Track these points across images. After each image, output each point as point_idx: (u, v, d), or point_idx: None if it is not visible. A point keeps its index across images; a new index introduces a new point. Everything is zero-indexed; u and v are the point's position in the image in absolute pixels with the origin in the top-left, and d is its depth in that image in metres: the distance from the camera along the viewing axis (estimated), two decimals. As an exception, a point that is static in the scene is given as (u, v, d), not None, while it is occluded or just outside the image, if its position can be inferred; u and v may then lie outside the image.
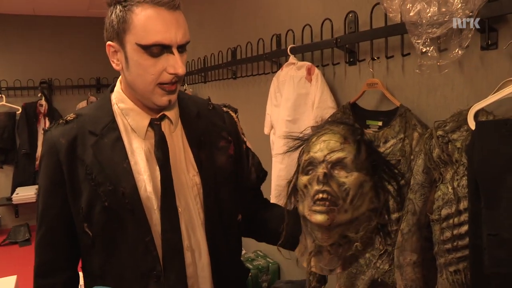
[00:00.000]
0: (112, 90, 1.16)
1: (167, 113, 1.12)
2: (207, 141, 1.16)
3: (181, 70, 1.01)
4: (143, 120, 1.10)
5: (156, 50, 0.99)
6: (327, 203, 0.81)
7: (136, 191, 1.05)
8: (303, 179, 0.87)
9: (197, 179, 1.13)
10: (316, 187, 0.83)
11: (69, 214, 1.08)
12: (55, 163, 1.06)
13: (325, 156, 0.84)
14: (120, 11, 1.00)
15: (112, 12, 1.02)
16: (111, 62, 1.07)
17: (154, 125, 1.10)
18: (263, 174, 1.32)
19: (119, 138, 1.07)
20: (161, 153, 1.08)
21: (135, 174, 1.06)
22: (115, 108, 1.11)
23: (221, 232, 1.16)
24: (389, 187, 0.93)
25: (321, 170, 0.83)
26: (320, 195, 0.82)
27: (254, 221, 1.28)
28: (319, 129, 0.92)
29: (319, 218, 0.81)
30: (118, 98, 1.11)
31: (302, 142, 0.94)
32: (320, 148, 0.85)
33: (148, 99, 1.06)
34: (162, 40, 0.98)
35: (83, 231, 1.07)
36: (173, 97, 1.06)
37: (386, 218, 0.90)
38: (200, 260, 1.12)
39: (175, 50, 1.01)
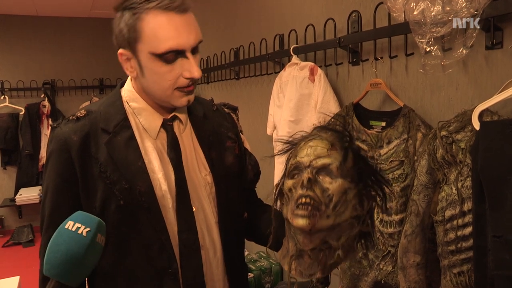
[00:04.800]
0: (122, 86, 1.15)
1: (178, 114, 1.13)
2: (215, 141, 1.18)
3: (197, 73, 1.03)
4: (156, 120, 1.10)
5: (171, 56, 1.00)
6: (309, 207, 0.82)
7: (152, 190, 1.04)
8: (289, 182, 0.88)
9: (209, 178, 1.14)
10: (300, 191, 0.84)
11: None
12: (67, 160, 1.04)
13: (311, 161, 0.85)
14: (129, 18, 0.99)
15: (121, 19, 1.01)
16: (125, 69, 1.06)
17: (167, 125, 1.11)
18: (258, 174, 1.32)
19: (133, 137, 1.07)
20: (174, 153, 1.09)
21: (150, 173, 1.05)
22: (126, 106, 1.11)
23: (233, 230, 1.17)
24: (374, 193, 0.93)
25: (305, 175, 0.84)
26: (303, 199, 0.83)
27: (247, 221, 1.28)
28: (309, 134, 0.93)
29: (300, 222, 0.82)
30: (130, 97, 1.11)
31: (290, 146, 0.95)
32: (307, 153, 0.86)
33: (166, 102, 1.07)
34: (175, 46, 0.99)
35: None
36: (192, 97, 1.08)
37: (370, 226, 0.91)
38: (215, 257, 1.13)
39: (189, 54, 1.02)
